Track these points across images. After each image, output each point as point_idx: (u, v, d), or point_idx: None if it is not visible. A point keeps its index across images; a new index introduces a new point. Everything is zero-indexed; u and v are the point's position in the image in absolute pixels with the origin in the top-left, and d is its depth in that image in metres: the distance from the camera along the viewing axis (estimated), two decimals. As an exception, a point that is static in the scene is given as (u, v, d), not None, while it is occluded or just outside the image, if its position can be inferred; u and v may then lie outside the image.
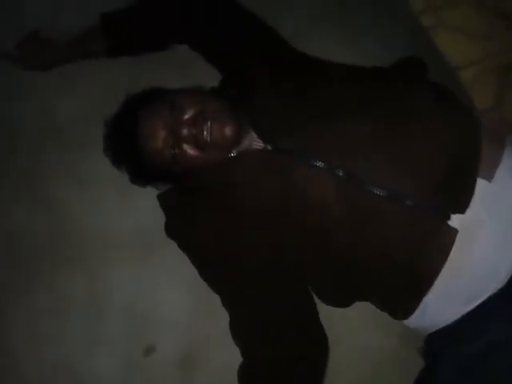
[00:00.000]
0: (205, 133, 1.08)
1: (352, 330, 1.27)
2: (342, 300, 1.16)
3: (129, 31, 1.30)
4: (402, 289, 1.07)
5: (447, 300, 1.04)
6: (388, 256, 1.03)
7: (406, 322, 1.13)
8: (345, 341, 1.24)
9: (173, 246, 1.20)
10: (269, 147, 1.10)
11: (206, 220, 1.14)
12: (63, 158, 1.34)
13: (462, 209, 1.00)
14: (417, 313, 1.08)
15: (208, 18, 1.26)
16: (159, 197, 1.22)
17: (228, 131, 1.09)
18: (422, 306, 1.06)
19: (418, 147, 1.04)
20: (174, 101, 1.11)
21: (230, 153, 1.14)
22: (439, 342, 1.10)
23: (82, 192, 1.33)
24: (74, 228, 1.31)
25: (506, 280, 1.01)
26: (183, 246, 1.19)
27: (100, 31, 1.30)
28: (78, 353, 1.24)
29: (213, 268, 1.16)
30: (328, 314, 1.17)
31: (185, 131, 1.09)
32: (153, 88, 1.22)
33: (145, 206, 1.30)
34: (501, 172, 1.02)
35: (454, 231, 1.00)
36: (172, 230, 1.19)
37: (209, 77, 1.30)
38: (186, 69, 1.39)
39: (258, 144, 1.12)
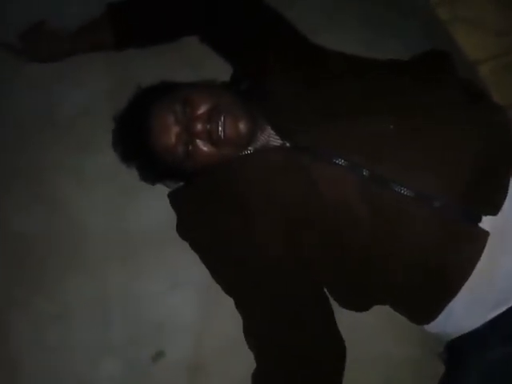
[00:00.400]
0: (220, 128, 1.03)
1: (367, 334, 1.23)
2: (360, 303, 1.12)
3: (136, 22, 1.25)
4: (427, 293, 1.02)
5: (473, 305, 1.00)
6: (414, 259, 0.99)
7: (426, 327, 1.09)
8: (359, 346, 1.18)
9: (181, 247, 1.15)
10: (287, 144, 1.05)
11: (219, 220, 1.09)
12: (64, 157, 1.29)
13: (494, 210, 0.96)
14: (440, 318, 1.03)
15: (217, 8, 1.21)
16: (170, 195, 1.17)
17: (242, 126, 1.04)
18: (446, 310, 1.02)
19: (445, 145, 0.99)
20: (187, 95, 1.06)
21: (246, 150, 1.09)
22: (462, 348, 1.06)
23: (83, 192, 1.27)
24: (76, 230, 1.25)
25: None
26: (196, 247, 1.14)
27: (106, 22, 1.24)
28: (83, 360, 1.19)
29: (226, 269, 1.11)
30: (342, 319, 1.12)
31: (199, 126, 1.04)
32: (164, 81, 1.17)
33: (149, 206, 1.26)
34: None
35: (486, 234, 0.95)
36: (184, 231, 1.14)
37: (219, 71, 1.25)
38: (196, 62, 1.35)
39: (276, 141, 1.07)
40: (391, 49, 1.38)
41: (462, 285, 0.97)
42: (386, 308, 1.12)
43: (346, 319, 1.12)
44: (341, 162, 1.00)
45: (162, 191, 1.18)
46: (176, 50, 1.34)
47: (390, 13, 1.46)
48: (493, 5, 1.52)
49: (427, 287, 1.01)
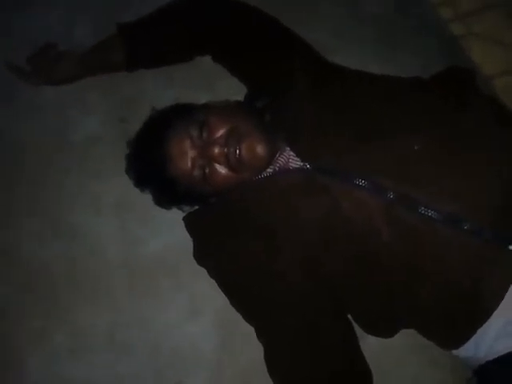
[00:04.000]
0: (237, 152, 1.01)
1: (394, 360, 1.18)
2: (385, 329, 1.08)
3: (148, 41, 1.22)
4: (457, 318, 0.99)
5: (506, 329, 0.96)
6: (443, 283, 0.96)
7: (455, 351, 1.05)
8: (386, 372, 1.15)
9: (199, 274, 1.11)
10: (307, 166, 1.02)
11: (238, 244, 1.05)
12: (81, 183, 1.25)
13: None
14: (469, 343, 1.00)
15: (235, 27, 1.19)
16: (186, 219, 1.13)
17: (260, 149, 1.03)
18: (477, 335, 0.98)
19: (473, 166, 0.97)
20: (204, 119, 1.04)
21: (264, 172, 1.06)
22: (492, 374, 1.02)
23: (99, 219, 1.23)
24: (92, 258, 1.20)
25: None
26: (214, 273, 1.10)
27: (117, 42, 1.21)
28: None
29: (247, 295, 1.07)
30: (369, 344, 1.09)
31: (216, 150, 1.02)
32: (178, 104, 1.15)
33: (168, 232, 1.22)
34: None
35: None
36: (201, 256, 1.11)
37: (231, 90, 1.24)
38: (208, 82, 1.32)
39: (296, 162, 1.04)
40: (406, 65, 1.37)
41: (495, 309, 0.94)
42: (413, 332, 1.08)
43: (372, 344, 1.09)
44: (363, 183, 0.97)
45: (181, 214, 1.15)
46: (186, 70, 1.31)
47: (404, 29, 1.44)
48: (507, 20, 1.50)
49: (457, 312, 0.98)
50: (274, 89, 1.10)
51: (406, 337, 1.10)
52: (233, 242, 1.05)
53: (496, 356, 0.99)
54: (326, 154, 1.00)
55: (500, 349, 0.98)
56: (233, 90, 1.24)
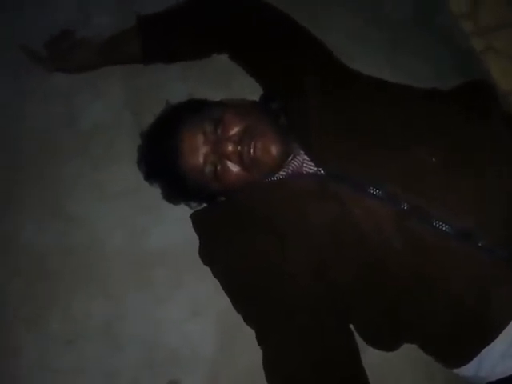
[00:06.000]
0: (251, 150, 1.00)
1: (393, 374, 1.17)
2: (388, 342, 1.06)
3: (163, 37, 1.20)
4: (463, 336, 0.97)
5: (509, 352, 0.95)
6: (452, 299, 0.95)
7: (456, 370, 1.04)
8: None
9: (201, 273, 1.10)
10: (321, 171, 1.01)
11: (246, 242, 1.03)
12: (84, 171, 1.24)
13: None
14: (472, 363, 0.98)
15: (234, 28, 1.17)
16: (193, 216, 1.12)
17: (274, 149, 1.02)
18: (481, 355, 0.96)
19: (491, 182, 0.96)
20: (219, 116, 1.03)
21: (277, 174, 1.05)
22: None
23: (102, 206, 1.22)
24: (92, 247, 1.19)
25: None
26: (219, 272, 1.08)
27: (136, 35, 1.20)
28: (94, 385, 1.13)
29: (251, 298, 1.05)
30: (368, 358, 1.06)
31: (230, 147, 1.01)
32: (194, 99, 1.14)
33: (173, 225, 1.21)
34: None
35: None
36: (207, 254, 1.09)
37: (248, 89, 1.22)
38: (224, 80, 1.31)
39: (310, 167, 1.03)
40: (422, 75, 1.36)
41: (502, 329, 0.93)
42: (413, 347, 1.07)
43: (372, 358, 1.07)
44: (377, 192, 0.96)
45: (186, 210, 1.14)
46: (201, 67, 1.30)
47: (422, 39, 1.43)
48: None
49: (463, 330, 0.97)
50: (282, 91, 1.09)
51: (406, 352, 1.08)
52: (242, 238, 1.04)
53: (498, 377, 0.98)
54: (340, 161, 0.99)
55: (503, 370, 0.97)
56: (248, 88, 1.23)
